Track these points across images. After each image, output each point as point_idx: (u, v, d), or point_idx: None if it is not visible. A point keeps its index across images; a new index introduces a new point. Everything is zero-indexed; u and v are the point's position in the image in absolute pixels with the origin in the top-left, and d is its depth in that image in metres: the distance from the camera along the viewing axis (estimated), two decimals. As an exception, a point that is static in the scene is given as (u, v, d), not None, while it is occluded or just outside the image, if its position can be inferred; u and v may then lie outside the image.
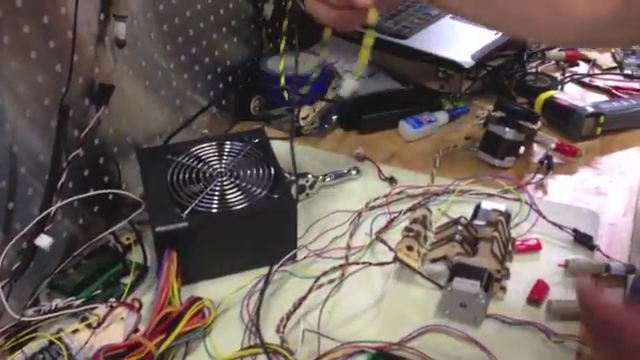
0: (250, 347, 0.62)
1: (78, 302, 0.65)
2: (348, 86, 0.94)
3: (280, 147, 0.79)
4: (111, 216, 0.74)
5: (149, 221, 0.70)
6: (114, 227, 0.72)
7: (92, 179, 0.74)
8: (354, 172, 0.86)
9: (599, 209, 0.80)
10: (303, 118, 0.93)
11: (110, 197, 0.76)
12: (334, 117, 0.96)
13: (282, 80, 0.86)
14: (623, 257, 0.73)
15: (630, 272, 0.71)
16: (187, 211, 0.68)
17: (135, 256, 0.72)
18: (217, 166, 0.75)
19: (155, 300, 0.64)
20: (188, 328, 0.61)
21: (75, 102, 0.68)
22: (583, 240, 0.75)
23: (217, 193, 0.71)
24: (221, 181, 0.73)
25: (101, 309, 0.64)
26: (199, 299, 0.64)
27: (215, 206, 0.70)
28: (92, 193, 0.71)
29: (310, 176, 0.82)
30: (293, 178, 0.81)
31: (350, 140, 0.94)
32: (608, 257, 0.72)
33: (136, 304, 0.65)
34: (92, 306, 0.64)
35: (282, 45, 0.82)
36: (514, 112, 0.88)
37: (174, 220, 0.67)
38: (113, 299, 0.66)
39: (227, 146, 0.77)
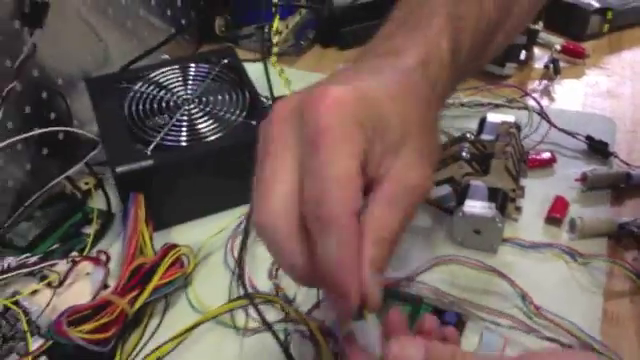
0: (239, 298, 0.53)
1: (34, 259, 0.56)
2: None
3: (252, 70, 0.69)
4: (64, 159, 0.64)
5: (107, 162, 0.61)
6: (69, 171, 0.63)
7: (36, 116, 0.63)
8: (338, 91, 0.76)
9: (614, 114, 0.73)
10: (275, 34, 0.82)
11: (61, 137, 0.66)
12: (310, 33, 0.86)
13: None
14: (645, 165, 0.66)
15: (655, 180, 0.64)
16: (151, 147, 0.58)
17: (96, 202, 0.63)
18: (182, 93, 0.64)
19: (124, 251, 0.55)
20: (165, 280, 0.53)
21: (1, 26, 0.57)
22: (598, 147, 0.67)
23: (185, 123, 0.61)
24: (188, 109, 0.63)
25: (62, 265, 0.56)
26: (175, 246, 0.55)
27: (184, 138, 0.60)
28: (36, 132, 0.61)
29: (289, 99, 0.73)
30: (271, 103, 0.71)
31: (330, 57, 0.85)
32: (627, 164, 0.65)
33: (102, 257, 0.57)
34: (51, 262, 0.56)
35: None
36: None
37: (137, 158, 0.58)
38: (75, 253, 0.58)
39: (192, 69, 0.67)
